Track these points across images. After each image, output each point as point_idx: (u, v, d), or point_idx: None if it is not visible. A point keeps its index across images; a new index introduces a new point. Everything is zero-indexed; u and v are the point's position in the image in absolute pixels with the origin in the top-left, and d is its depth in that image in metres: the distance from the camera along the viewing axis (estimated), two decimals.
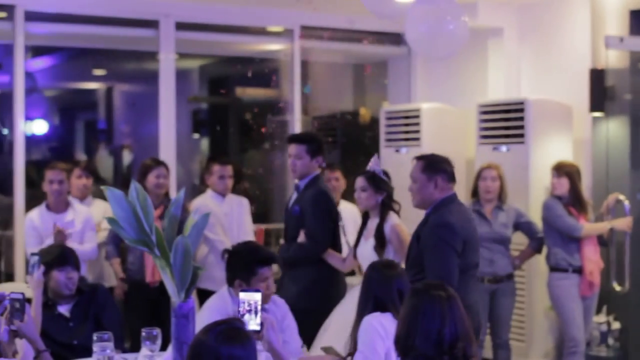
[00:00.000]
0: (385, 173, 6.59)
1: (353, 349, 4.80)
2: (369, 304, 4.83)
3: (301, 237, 6.65)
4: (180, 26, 9.20)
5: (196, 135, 12.51)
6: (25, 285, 7.06)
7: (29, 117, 9.51)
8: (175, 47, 9.20)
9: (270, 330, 4.26)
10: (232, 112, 12.16)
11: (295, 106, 9.77)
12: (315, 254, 6.66)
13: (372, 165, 6.56)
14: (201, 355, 3.24)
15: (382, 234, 6.36)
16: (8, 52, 8.94)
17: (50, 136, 13.38)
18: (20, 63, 8.56)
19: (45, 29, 9.18)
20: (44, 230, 7.29)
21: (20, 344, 4.88)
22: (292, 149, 6.86)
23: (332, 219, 6.80)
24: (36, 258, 5.63)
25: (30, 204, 8.45)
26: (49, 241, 7.13)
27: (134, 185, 4.15)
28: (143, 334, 4.92)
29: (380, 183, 6.47)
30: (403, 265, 6.08)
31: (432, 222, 5.72)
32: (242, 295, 4.24)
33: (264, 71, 10.53)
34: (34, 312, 5.40)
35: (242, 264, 5.20)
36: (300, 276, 6.71)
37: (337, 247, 6.84)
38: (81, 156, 13.55)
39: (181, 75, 9.63)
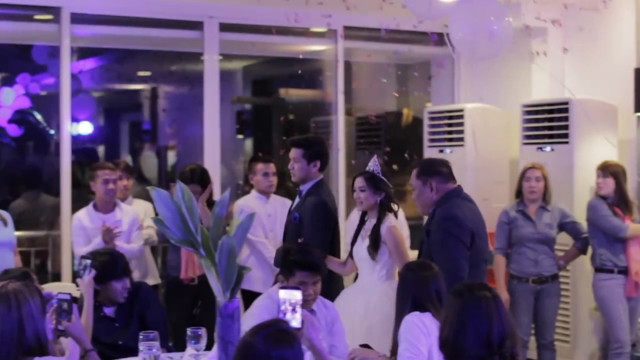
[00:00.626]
0: (385, 173, 6.59)
1: (394, 349, 4.80)
2: (408, 304, 4.82)
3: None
4: (225, 27, 9.24)
5: (240, 136, 12.55)
6: (71, 285, 7.13)
7: (74, 118, 9.59)
8: (219, 49, 9.25)
9: (310, 328, 4.27)
10: (276, 113, 12.19)
11: (338, 107, 9.78)
12: None
13: (371, 165, 6.57)
14: (251, 357, 3.25)
15: (378, 234, 6.37)
16: (54, 54, 9.03)
17: (96, 137, 13.49)
18: (67, 65, 8.63)
19: (90, 31, 9.25)
20: (92, 229, 7.35)
21: (67, 342, 4.94)
22: (291, 152, 6.81)
23: (330, 228, 6.73)
24: (87, 262, 5.67)
25: (75, 205, 8.53)
26: (97, 240, 7.19)
27: (180, 186, 4.18)
28: (188, 333, 4.95)
29: (379, 183, 6.47)
30: (398, 268, 6.15)
31: (438, 216, 5.74)
32: (282, 294, 4.26)
33: (307, 72, 10.56)
34: (85, 316, 5.45)
35: (285, 262, 5.24)
36: None
37: (336, 254, 6.83)
38: (126, 157, 13.64)
39: (225, 76, 9.67)
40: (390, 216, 6.45)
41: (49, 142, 12.69)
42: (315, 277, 5.23)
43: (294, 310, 4.23)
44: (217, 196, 8.10)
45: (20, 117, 12.20)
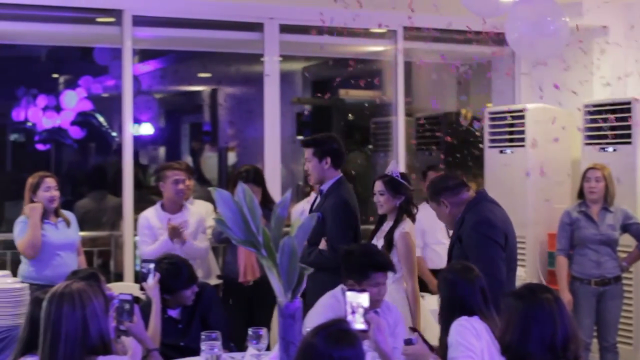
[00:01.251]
0: (404, 177, 6.56)
1: (442, 355, 4.74)
2: (456, 308, 4.73)
3: (322, 244, 6.57)
4: (285, 29, 9.28)
5: (300, 137, 12.57)
6: (134, 285, 7.20)
7: (136, 120, 9.68)
8: (280, 50, 9.28)
9: (377, 330, 4.26)
10: (336, 114, 12.20)
11: (399, 107, 9.77)
12: (334, 262, 6.55)
13: (390, 168, 6.55)
14: (313, 358, 3.26)
15: (392, 237, 6.36)
16: (116, 56, 9.11)
17: (157, 138, 13.60)
18: (128, 67, 8.71)
19: (152, 33, 9.32)
20: (159, 229, 7.41)
21: (129, 342, 4.98)
22: (305, 152, 6.82)
23: (352, 226, 6.71)
24: (151, 265, 5.72)
25: (137, 205, 8.62)
26: (163, 238, 7.26)
27: (241, 187, 4.19)
28: (250, 333, 4.98)
29: (398, 187, 6.46)
30: (399, 274, 6.21)
31: (469, 221, 5.72)
32: (349, 296, 4.26)
33: (367, 72, 10.55)
34: (153, 320, 5.50)
35: (357, 266, 5.19)
36: (322, 281, 6.70)
37: None
38: (186, 158, 13.74)
39: (285, 77, 9.70)
40: (407, 221, 6.46)
41: (111, 144, 12.82)
42: (386, 277, 5.23)
43: (360, 312, 4.23)
44: (277, 197, 8.12)
45: (82, 119, 12.36)
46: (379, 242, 6.45)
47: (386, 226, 6.52)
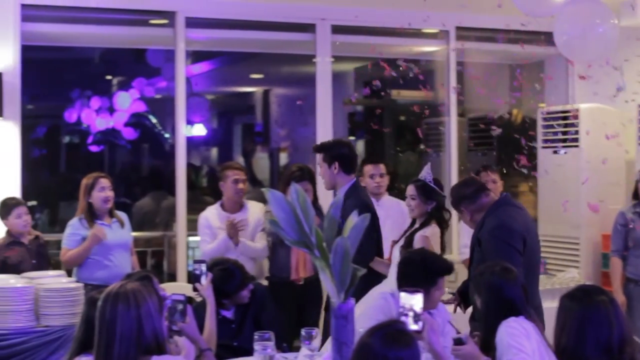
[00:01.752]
0: (437, 182, 6.53)
1: (491, 355, 4.70)
2: (504, 310, 4.67)
3: None
4: (337, 29, 9.28)
5: (351, 138, 12.57)
6: (187, 285, 7.24)
7: (188, 121, 9.74)
8: (332, 50, 9.29)
9: (431, 331, 4.25)
10: (388, 114, 12.18)
11: (451, 108, 9.73)
12: (361, 264, 6.49)
13: (423, 173, 6.54)
14: (368, 358, 3.26)
15: (412, 239, 6.38)
16: (169, 57, 9.18)
17: (209, 139, 13.66)
18: (181, 68, 8.77)
19: (204, 35, 9.37)
20: (219, 229, 7.47)
21: (182, 342, 5.01)
22: (317, 158, 6.84)
23: (375, 229, 6.70)
24: (203, 266, 5.74)
25: (189, 206, 8.67)
26: (222, 236, 7.32)
27: (294, 188, 4.20)
28: (302, 333, 4.98)
29: (430, 193, 6.44)
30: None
31: (487, 225, 5.75)
32: (403, 296, 4.25)
33: (419, 73, 10.52)
34: (208, 321, 5.53)
35: (422, 273, 5.14)
36: None
37: (380, 254, 6.77)
38: (238, 159, 13.79)
39: (337, 78, 9.71)
40: (433, 226, 6.44)
41: (164, 145, 12.91)
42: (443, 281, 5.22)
43: (414, 313, 4.22)
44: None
45: (135, 120, 12.46)
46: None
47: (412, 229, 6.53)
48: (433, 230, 6.44)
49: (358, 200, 6.49)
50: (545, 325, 5.01)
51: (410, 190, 6.53)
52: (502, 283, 4.74)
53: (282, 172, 12.23)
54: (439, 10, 9.01)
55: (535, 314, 4.81)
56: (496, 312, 4.71)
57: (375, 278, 6.37)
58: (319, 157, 6.75)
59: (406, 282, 5.13)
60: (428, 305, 5.06)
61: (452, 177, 9.64)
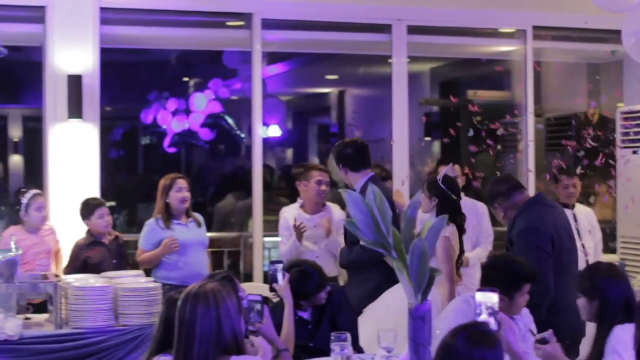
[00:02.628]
0: (452, 182, 6.51)
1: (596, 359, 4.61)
2: (621, 310, 4.56)
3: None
4: (412, 30, 9.25)
5: (428, 139, 12.52)
6: (262, 285, 7.26)
7: (264, 122, 9.79)
8: (407, 51, 9.26)
9: (509, 331, 4.21)
10: (464, 115, 12.11)
11: (528, 108, 9.64)
12: (378, 257, 6.42)
13: (442, 174, 6.51)
14: (452, 359, 3.24)
15: None
16: (246, 59, 9.22)
17: (285, 140, 13.71)
18: (258, 70, 8.80)
19: (280, 36, 9.41)
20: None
21: (259, 342, 5.02)
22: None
23: (398, 225, 6.62)
24: (279, 266, 5.74)
25: (265, 207, 8.70)
26: (292, 239, 7.31)
27: (372, 189, 4.19)
28: (379, 334, 4.97)
29: (434, 189, 6.40)
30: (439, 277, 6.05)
31: (518, 226, 5.79)
32: (479, 296, 4.22)
33: (495, 73, 10.45)
34: (287, 321, 5.54)
35: (507, 279, 5.09)
36: (367, 280, 6.60)
37: None
38: (314, 160, 13.81)
39: (413, 79, 9.68)
40: (451, 226, 6.36)
41: (240, 146, 12.98)
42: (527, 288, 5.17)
43: (490, 313, 4.19)
44: (406, 199, 8.12)
45: (212, 121, 12.54)
46: None
47: None
48: (452, 230, 6.41)
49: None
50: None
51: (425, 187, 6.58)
52: (612, 283, 4.62)
53: None
54: (516, 10, 8.94)
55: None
56: (612, 312, 4.58)
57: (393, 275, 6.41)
58: (331, 157, 6.89)
59: (490, 287, 5.09)
60: (512, 311, 5.02)
61: (530, 178, 9.54)
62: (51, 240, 7.46)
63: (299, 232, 7.25)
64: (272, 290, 5.79)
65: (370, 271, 6.64)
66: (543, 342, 4.48)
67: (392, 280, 6.16)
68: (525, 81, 9.67)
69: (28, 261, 7.15)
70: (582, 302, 4.75)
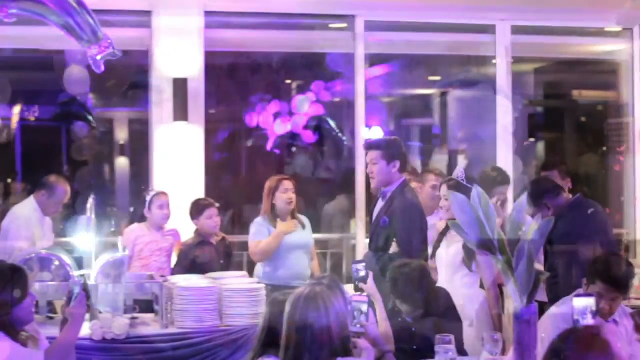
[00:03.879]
0: (470, 181, 6.32)
1: None
2: None
3: (393, 248, 6.41)
4: (516, 30, 9.17)
5: (532, 139, 12.41)
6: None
7: (366, 124, 9.81)
8: (511, 51, 9.18)
9: (610, 334, 4.16)
10: (569, 115, 11.99)
11: (636, 108, 9.47)
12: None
13: (456, 172, 6.44)
14: None
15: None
16: (348, 61, 9.25)
17: None
18: (361, 72, 8.84)
19: (382, 38, 9.42)
20: None
21: (360, 343, 5.02)
22: (369, 155, 6.71)
23: (423, 229, 6.55)
24: (362, 264, 5.72)
25: (367, 208, 8.71)
26: None
27: (477, 191, 4.18)
28: (484, 337, 4.94)
29: (462, 191, 6.22)
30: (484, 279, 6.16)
31: (559, 229, 5.71)
32: (576, 302, 4.21)
33: (601, 73, 10.30)
34: (382, 320, 5.53)
35: (603, 277, 5.06)
36: None
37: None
38: (416, 161, 13.77)
39: (516, 79, 9.60)
40: None
41: (342, 148, 13.00)
42: (614, 293, 5.06)
43: (585, 317, 4.16)
44: (511, 199, 8.08)
45: (314, 123, 12.57)
46: (449, 247, 6.43)
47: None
48: None
49: (407, 201, 6.52)
50: None
51: (444, 190, 6.45)
52: None
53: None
54: (621, 8, 8.81)
55: None
56: None
57: None
58: (375, 154, 6.66)
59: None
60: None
61: (637, 179, 9.37)
62: (171, 240, 7.56)
63: None
64: (357, 289, 5.77)
65: None
66: None
67: None
68: (632, 81, 9.52)
69: (144, 257, 7.34)
70: None
